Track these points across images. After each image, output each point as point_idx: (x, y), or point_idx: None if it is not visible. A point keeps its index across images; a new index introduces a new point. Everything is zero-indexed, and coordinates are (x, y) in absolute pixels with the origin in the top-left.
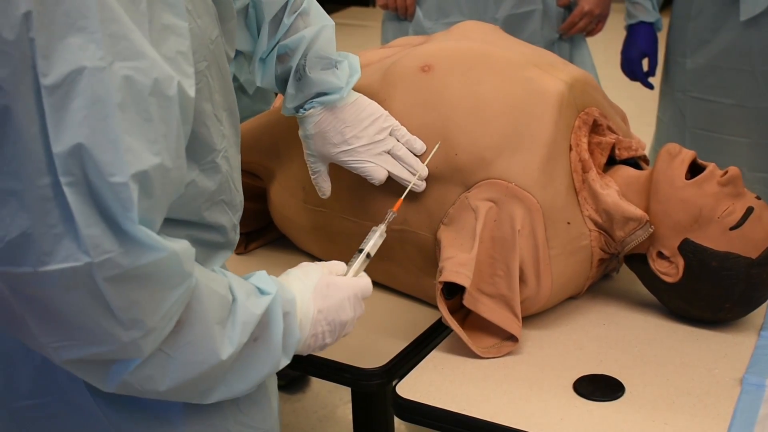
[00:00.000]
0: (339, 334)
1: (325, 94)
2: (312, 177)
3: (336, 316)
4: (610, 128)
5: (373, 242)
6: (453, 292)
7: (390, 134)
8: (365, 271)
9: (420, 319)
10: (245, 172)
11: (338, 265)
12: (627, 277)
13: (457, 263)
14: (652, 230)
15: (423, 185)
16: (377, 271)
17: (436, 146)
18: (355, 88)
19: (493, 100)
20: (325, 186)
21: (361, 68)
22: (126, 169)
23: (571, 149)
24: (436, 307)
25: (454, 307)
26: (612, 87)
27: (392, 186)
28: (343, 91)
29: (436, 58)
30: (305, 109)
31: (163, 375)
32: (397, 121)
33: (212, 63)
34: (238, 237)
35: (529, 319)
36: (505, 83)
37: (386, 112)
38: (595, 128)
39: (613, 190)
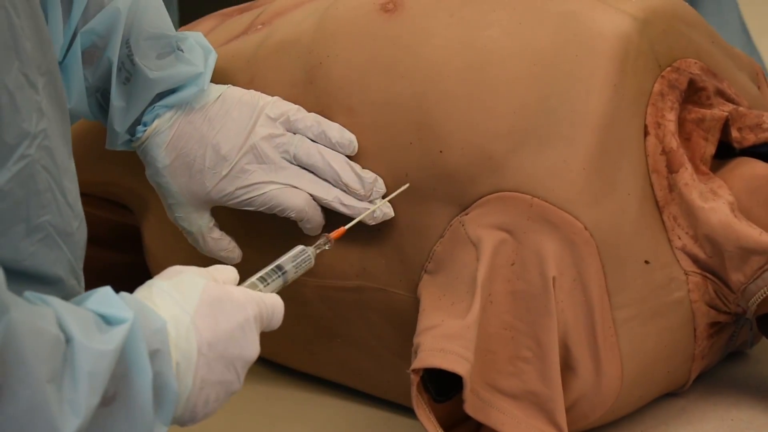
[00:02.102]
0: (240, 382)
1: (172, 92)
2: (194, 242)
3: (237, 352)
4: (721, 93)
5: (290, 258)
6: (449, 388)
7: (287, 128)
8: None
9: None
10: (101, 200)
11: (227, 271)
12: None
13: (442, 335)
14: None
15: (381, 213)
16: (324, 358)
17: (403, 188)
18: (263, 57)
19: (505, 54)
20: (222, 246)
21: (283, 13)
22: None
23: (647, 133)
24: None
25: (453, 417)
26: None
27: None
28: (204, 79)
29: None
30: (146, 125)
31: None
32: (293, 105)
33: None
34: (83, 290)
35: None
36: (524, 24)
37: (275, 98)
38: (694, 94)
39: (723, 202)
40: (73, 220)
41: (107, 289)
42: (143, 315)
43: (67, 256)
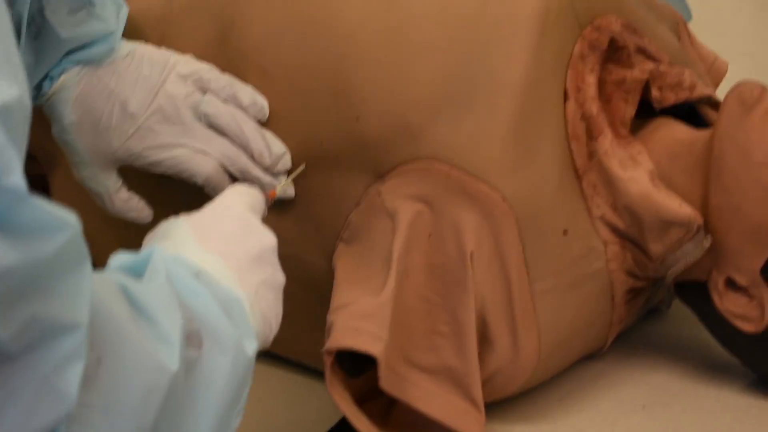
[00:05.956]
0: (281, 272)
1: (81, 48)
2: (101, 202)
3: (254, 248)
4: (642, 50)
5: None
6: (365, 360)
7: (199, 87)
8: None
9: (329, 410)
10: None
11: None
12: (687, 313)
13: (356, 314)
14: (710, 242)
15: (283, 192)
16: None
17: (299, 168)
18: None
19: (425, 16)
20: (131, 206)
21: None
22: None
23: (567, 98)
24: None
25: (368, 391)
26: None
27: None
28: (115, 37)
29: None
30: (53, 80)
31: None
32: (205, 64)
33: None
34: None
35: (505, 405)
36: None
37: (187, 56)
38: (614, 53)
39: (643, 171)
40: None
41: (118, 254)
42: (156, 249)
43: None
